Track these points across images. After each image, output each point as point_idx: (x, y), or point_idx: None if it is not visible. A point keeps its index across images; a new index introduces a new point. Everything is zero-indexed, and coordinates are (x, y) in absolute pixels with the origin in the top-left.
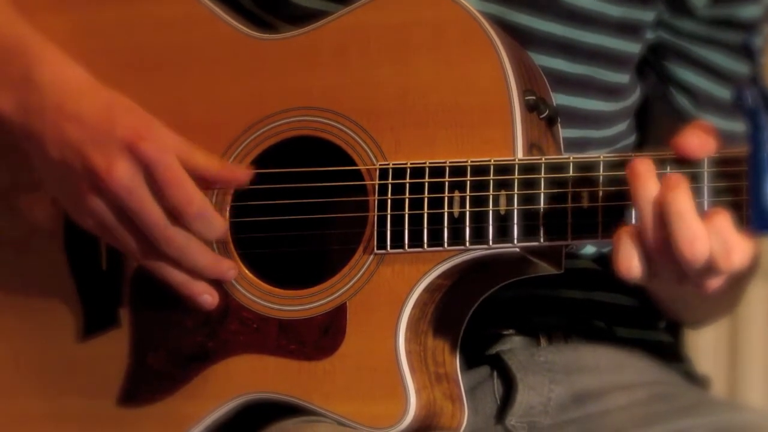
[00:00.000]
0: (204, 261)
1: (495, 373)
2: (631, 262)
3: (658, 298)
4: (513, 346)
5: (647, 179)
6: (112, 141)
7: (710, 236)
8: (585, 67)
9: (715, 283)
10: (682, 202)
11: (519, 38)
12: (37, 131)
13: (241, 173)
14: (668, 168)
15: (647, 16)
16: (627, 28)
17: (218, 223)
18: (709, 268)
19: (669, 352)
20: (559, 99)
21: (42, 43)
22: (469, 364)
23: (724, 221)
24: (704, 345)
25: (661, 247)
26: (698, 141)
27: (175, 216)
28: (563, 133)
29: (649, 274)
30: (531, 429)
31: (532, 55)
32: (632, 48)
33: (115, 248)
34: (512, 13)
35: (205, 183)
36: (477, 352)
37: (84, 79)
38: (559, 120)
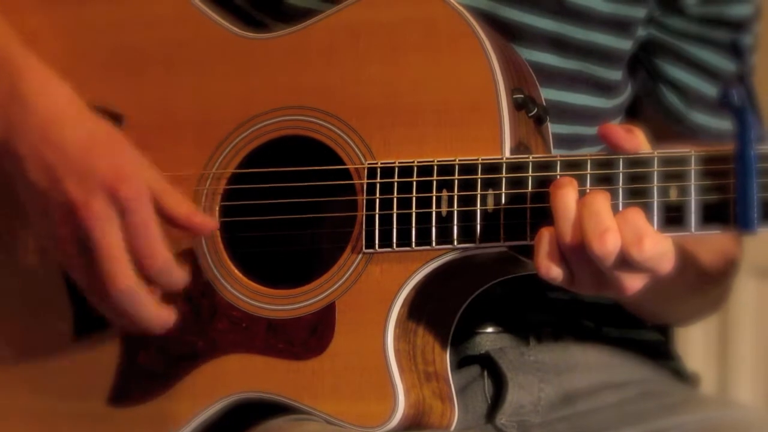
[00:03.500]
0: (147, 312)
1: (485, 373)
2: (550, 263)
3: (629, 308)
4: (503, 346)
5: (569, 187)
6: (92, 178)
7: (622, 228)
8: (575, 62)
9: (634, 282)
10: (599, 201)
11: (509, 33)
12: (19, 152)
13: (208, 224)
14: (656, 165)
15: (638, 13)
16: (618, 25)
17: (180, 277)
18: (623, 261)
19: (658, 350)
20: (549, 94)
21: (29, 58)
22: (459, 363)
23: (635, 212)
24: (694, 342)
25: (577, 248)
26: (621, 134)
27: (139, 266)
28: (555, 129)
29: (568, 277)
30: (521, 428)
31: (523, 50)
32: (623, 45)
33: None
34: (503, 8)
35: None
36: (467, 352)
37: (69, 101)
38: (548, 119)
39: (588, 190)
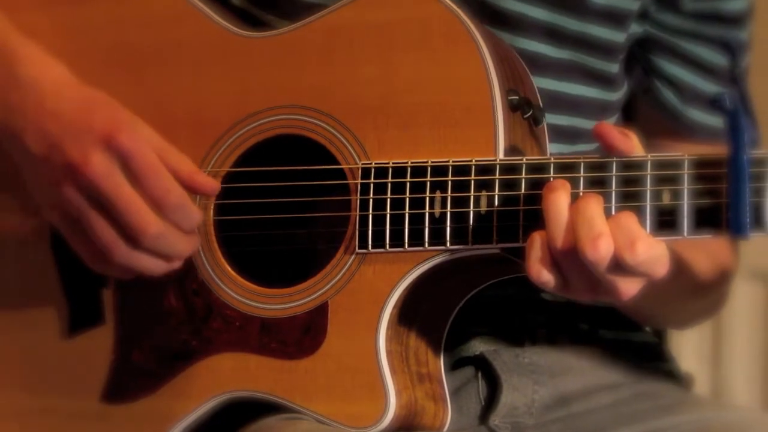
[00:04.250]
0: (180, 248)
1: (479, 374)
2: (541, 267)
3: (626, 312)
4: (497, 347)
5: (561, 191)
6: (89, 134)
7: (614, 232)
8: (570, 52)
9: (628, 286)
10: (592, 205)
11: (503, 22)
12: (19, 128)
13: (212, 184)
14: (648, 168)
15: (633, 5)
16: (612, 17)
17: (196, 214)
18: (617, 266)
19: (652, 351)
20: (544, 83)
21: (24, 42)
22: (453, 364)
23: (628, 216)
24: (688, 344)
25: (569, 253)
26: (615, 135)
27: (155, 204)
28: (552, 119)
29: (560, 282)
30: (515, 429)
31: (518, 39)
32: (617, 37)
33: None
34: (497, 0)
35: (181, 179)
36: (461, 353)
37: (64, 77)
38: (544, 121)
39: (581, 193)
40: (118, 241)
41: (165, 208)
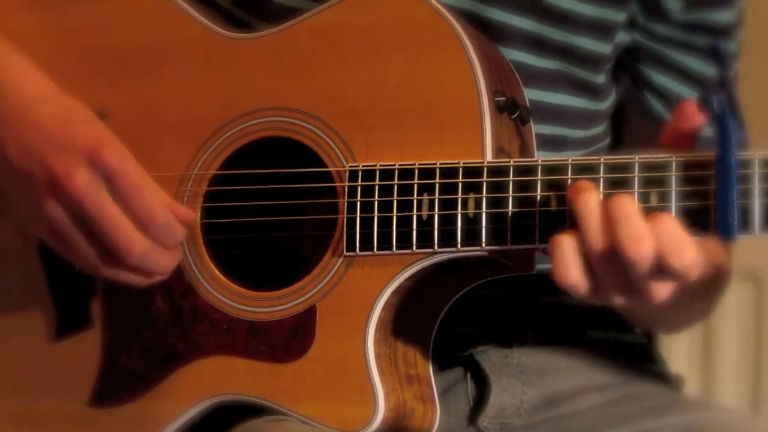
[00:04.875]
0: (161, 264)
1: (468, 375)
2: (569, 269)
3: (623, 314)
4: (486, 348)
5: (589, 191)
6: (72, 149)
7: (658, 234)
8: (555, 62)
9: (663, 290)
10: (628, 205)
11: (490, 32)
12: (2, 142)
13: (190, 214)
14: (636, 171)
15: (619, 16)
16: (598, 28)
17: (180, 231)
18: (659, 269)
19: (642, 353)
20: (530, 94)
21: (4, 47)
22: (442, 365)
23: (671, 220)
24: (678, 346)
25: (605, 254)
26: (694, 109)
27: (139, 223)
28: (537, 129)
29: (591, 285)
30: (503, 430)
31: (503, 49)
32: (603, 48)
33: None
34: (485, 8)
35: None
36: (450, 354)
37: (46, 86)
38: (531, 121)
39: (636, 194)
40: (101, 260)
41: (150, 227)
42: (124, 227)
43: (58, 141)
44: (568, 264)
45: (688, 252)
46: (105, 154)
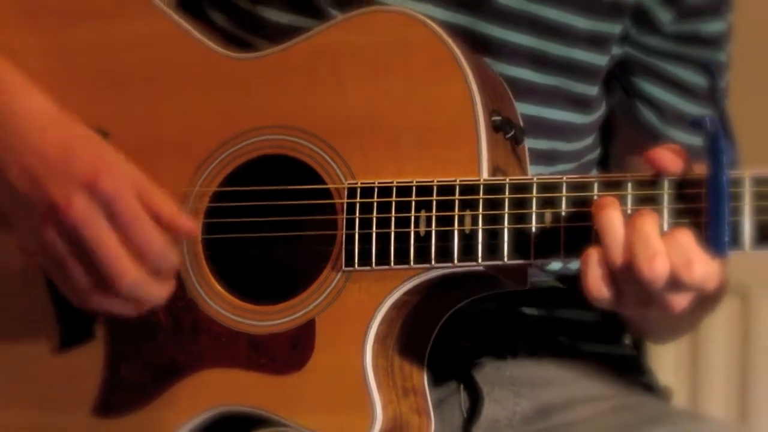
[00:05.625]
0: (154, 295)
1: (462, 387)
2: (600, 285)
3: (628, 320)
4: (480, 361)
5: (612, 208)
6: (71, 177)
7: (670, 251)
8: (553, 77)
9: (681, 301)
10: (648, 224)
11: (488, 49)
12: (2, 163)
13: (190, 226)
14: (629, 189)
15: (614, 29)
16: (595, 41)
17: (175, 261)
18: (673, 284)
19: (632, 365)
20: (527, 109)
21: (7, 71)
22: (436, 377)
23: (685, 235)
24: (666, 357)
25: (626, 269)
26: (671, 156)
27: (135, 252)
28: (532, 144)
29: (615, 297)
30: None
31: (501, 65)
32: (599, 60)
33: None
34: (483, 24)
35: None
36: (445, 367)
37: (48, 111)
38: (525, 140)
39: (563, 212)
40: (93, 287)
41: (146, 256)
42: (118, 255)
43: (57, 168)
44: (598, 277)
45: (698, 267)
46: (102, 182)
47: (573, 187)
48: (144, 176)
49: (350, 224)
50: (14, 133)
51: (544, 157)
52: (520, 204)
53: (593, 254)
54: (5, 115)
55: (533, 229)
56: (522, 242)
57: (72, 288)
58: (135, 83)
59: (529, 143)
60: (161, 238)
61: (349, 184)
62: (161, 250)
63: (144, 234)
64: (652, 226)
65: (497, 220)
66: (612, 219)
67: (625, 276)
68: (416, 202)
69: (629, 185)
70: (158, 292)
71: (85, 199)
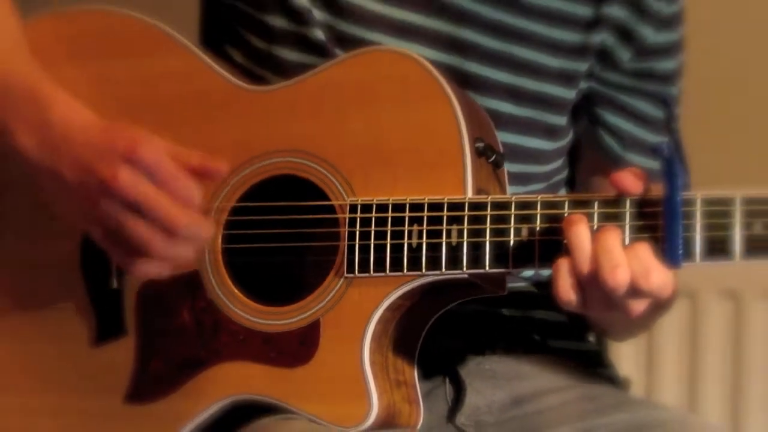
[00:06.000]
0: (208, 231)
1: (447, 380)
2: (569, 291)
3: (592, 321)
4: (463, 357)
5: (580, 224)
6: (113, 152)
7: (631, 262)
8: (528, 110)
9: (639, 306)
10: (611, 238)
11: (471, 84)
12: (55, 163)
13: (222, 165)
14: (596, 207)
15: (581, 67)
16: (564, 77)
17: (195, 194)
18: (633, 291)
19: (595, 359)
20: (506, 137)
21: (54, 88)
22: (425, 371)
23: (644, 248)
24: (625, 352)
25: (592, 278)
26: (632, 179)
27: (182, 203)
28: (510, 167)
29: (582, 302)
30: (477, 426)
31: (483, 98)
32: (569, 94)
33: (124, 260)
34: (467, 63)
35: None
36: (432, 362)
37: (88, 116)
38: (504, 164)
39: (596, 227)
40: (156, 235)
41: (189, 203)
42: (169, 205)
43: (101, 149)
44: (566, 285)
45: (655, 277)
46: (141, 152)
47: (546, 205)
48: (170, 143)
49: (351, 236)
50: (62, 138)
51: (519, 179)
52: (500, 220)
53: (563, 264)
54: (55, 125)
55: (511, 242)
56: (501, 253)
57: (133, 252)
58: (166, 110)
59: (507, 166)
60: (196, 187)
61: (350, 200)
62: (199, 197)
63: (184, 185)
64: (614, 240)
65: (480, 233)
66: (580, 234)
67: (590, 284)
68: (409, 217)
69: (596, 204)
70: (208, 230)
71: (129, 169)
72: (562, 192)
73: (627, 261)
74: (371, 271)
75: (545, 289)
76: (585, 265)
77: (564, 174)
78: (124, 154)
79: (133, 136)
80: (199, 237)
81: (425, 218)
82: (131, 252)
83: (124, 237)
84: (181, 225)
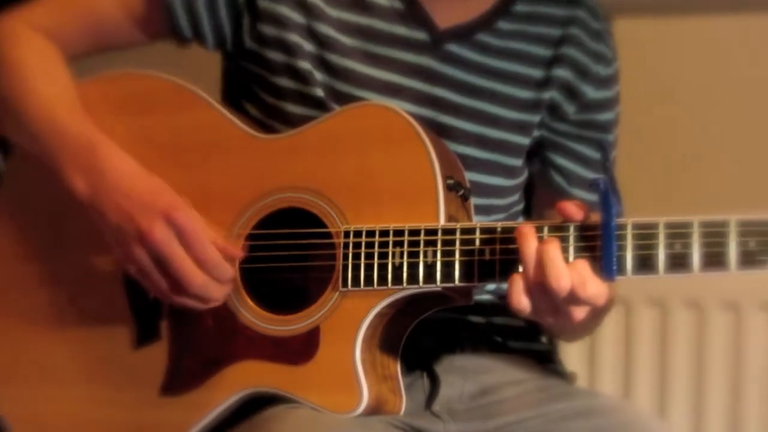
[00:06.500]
0: (216, 294)
1: (424, 374)
2: (520, 299)
3: (543, 326)
4: (438, 355)
5: (530, 238)
6: (153, 210)
7: (572, 274)
8: (491, 154)
9: (579, 313)
10: (553, 251)
11: (445, 133)
12: (103, 205)
13: (238, 251)
14: (546, 231)
15: (535, 119)
16: (521, 127)
17: (229, 270)
18: (573, 299)
19: (547, 357)
20: (472, 176)
21: (105, 140)
22: (407, 367)
23: (582, 264)
24: (571, 351)
25: (539, 286)
26: (575, 209)
27: (199, 265)
28: (475, 201)
29: (533, 308)
30: (450, 413)
31: (454, 144)
32: (524, 141)
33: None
34: (441, 116)
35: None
36: (412, 359)
37: (135, 168)
38: (470, 197)
39: (545, 237)
40: (172, 290)
41: (206, 266)
42: (188, 267)
43: (143, 204)
44: (519, 292)
45: (591, 287)
46: (176, 215)
47: (505, 230)
48: (201, 219)
49: (345, 257)
50: (111, 184)
51: (483, 210)
52: (467, 243)
53: (517, 279)
54: (105, 172)
55: (476, 261)
56: (468, 271)
57: (156, 289)
58: (192, 156)
59: (473, 200)
60: (217, 255)
61: (344, 228)
62: (218, 261)
63: (205, 251)
64: (557, 252)
65: (451, 254)
66: (530, 245)
67: (538, 290)
68: (393, 241)
69: (545, 229)
70: (218, 293)
71: (164, 226)
72: (520, 220)
73: (569, 273)
74: (362, 286)
75: (504, 299)
76: (533, 273)
77: (521, 206)
78: (163, 212)
79: (172, 200)
80: (211, 297)
81: (406, 242)
82: (154, 288)
83: (150, 280)
84: (195, 285)
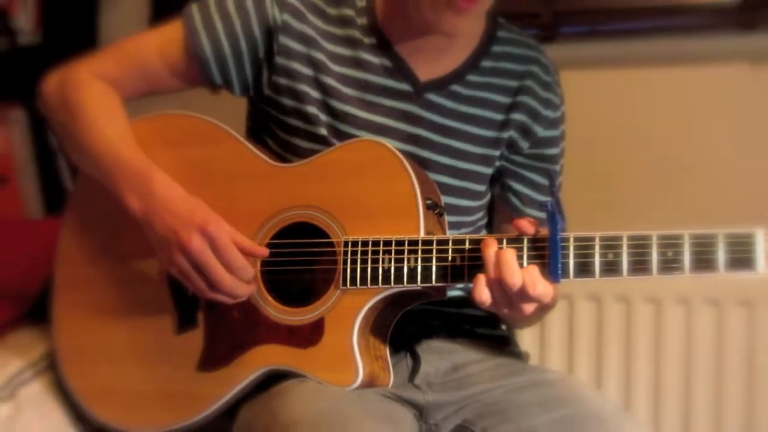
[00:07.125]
0: (241, 292)
1: (408, 354)
2: (482, 294)
3: (502, 317)
4: (419, 339)
5: (492, 245)
6: (191, 225)
7: (524, 275)
8: (461, 182)
9: (529, 308)
10: (509, 255)
11: (424, 165)
12: (152, 221)
13: (263, 251)
14: (504, 242)
15: (496, 153)
16: (485, 160)
17: (250, 271)
18: (524, 296)
19: (505, 340)
20: (446, 199)
21: (155, 169)
22: (394, 349)
23: (533, 268)
24: (525, 335)
25: (497, 283)
26: (528, 224)
27: (227, 269)
28: (449, 218)
29: (492, 301)
30: (429, 386)
31: (432, 174)
32: (487, 171)
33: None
34: (421, 151)
35: (244, 252)
36: (398, 343)
37: (177, 190)
38: (445, 214)
39: (503, 247)
40: (207, 289)
41: (233, 270)
42: (220, 270)
43: (184, 220)
44: (481, 289)
45: (539, 287)
46: (209, 228)
47: (472, 242)
48: (231, 227)
49: (345, 262)
50: (161, 206)
51: (455, 226)
52: (442, 251)
53: (480, 277)
54: (156, 196)
55: (449, 266)
56: (443, 273)
57: (194, 287)
58: (221, 181)
59: (446, 217)
60: (242, 259)
61: (344, 238)
62: (243, 265)
63: (232, 257)
64: (512, 257)
65: (429, 260)
66: (491, 251)
67: (497, 286)
68: (383, 249)
69: (504, 241)
70: (244, 291)
71: (199, 238)
72: (483, 233)
73: (522, 274)
74: (358, 285)
75: (470, 294)
76: (492, 271)
77: (484, 222)
78: (199, 226)
79: (207, 216)
80: (238, 294)
81: (393, 250)
82: (193, 286)
83: (189, 281)
84: (225, 286)
